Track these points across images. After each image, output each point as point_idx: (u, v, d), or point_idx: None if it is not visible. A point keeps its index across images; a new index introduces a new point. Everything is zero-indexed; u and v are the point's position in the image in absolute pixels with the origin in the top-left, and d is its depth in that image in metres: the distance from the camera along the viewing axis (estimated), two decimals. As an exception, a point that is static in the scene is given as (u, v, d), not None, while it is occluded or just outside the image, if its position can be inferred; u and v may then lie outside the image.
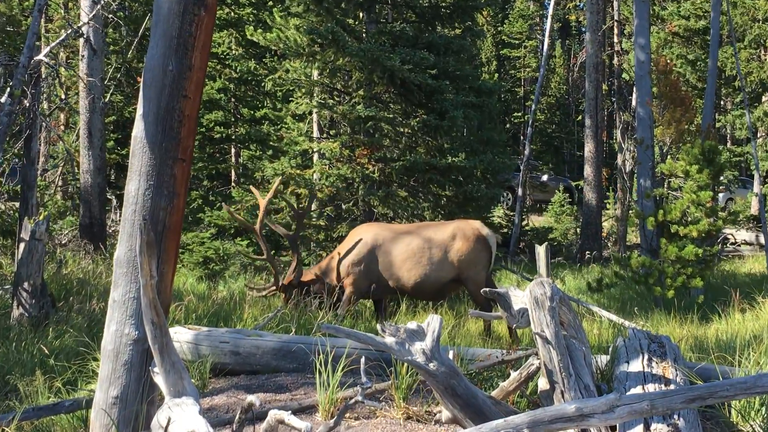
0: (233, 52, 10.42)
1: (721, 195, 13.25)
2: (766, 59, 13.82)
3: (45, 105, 10.15)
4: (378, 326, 2.19)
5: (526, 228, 12.48)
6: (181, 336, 3.24)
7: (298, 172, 6.86)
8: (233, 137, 10.32)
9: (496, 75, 18.63)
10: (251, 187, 5.93)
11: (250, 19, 10.41)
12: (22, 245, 4.01)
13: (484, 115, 8.33)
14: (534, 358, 2.44)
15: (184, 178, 2.23)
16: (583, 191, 12.07)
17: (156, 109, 2.18)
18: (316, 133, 8.28)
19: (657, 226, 6.75)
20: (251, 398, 1.96)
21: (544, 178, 15.79)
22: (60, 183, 10.38)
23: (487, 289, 2.64)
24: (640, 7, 7.61)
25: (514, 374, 2.49)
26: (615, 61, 15.63)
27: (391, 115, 6.85)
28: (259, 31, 7.16)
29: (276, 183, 5.11)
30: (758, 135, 13.74)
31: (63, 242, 7.71)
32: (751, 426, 2.39)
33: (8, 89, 4.66)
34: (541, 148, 21.49)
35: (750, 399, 2.40)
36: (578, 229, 12.24)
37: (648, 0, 7.78)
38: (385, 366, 2.84)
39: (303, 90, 7.48)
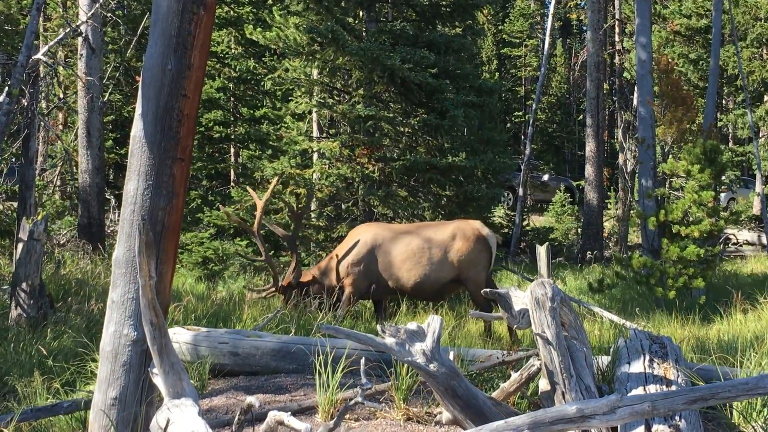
0: (232, 51, 10.40)
1: (722, 195, 13.23)
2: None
3: (43, 104, 10.14)
4: (378, 327, 2.19)
5: (527, 228, 12.46)
6: (180, 337, 3.23)
7: (297, 171, 6.84)
8: (232, 137, 10.30)
9: (497, 74, 18.61)
10: (248, 188, 5.91)
11: (250, 17, 10.39)
12: (20, 245, 4.00)
13: (484, 115, 8.32)
14: (535, 359, 2.43)
15: (183, 178, 2.22)
16: (584, 191, 12.05)
17: (155, 108, 2.17)
18: (315, 133, 8.27)
19: (658, 226, 6.73)
20: (251, 399, 1.95)
21: (545, 177, 15.77)
22: (58, 183, 10.37)
23: (488, 290, 2.63)
24: (641, 6, 7.59)
25: (514, 375, 2.48)
26: (616, 60, 15.61)
27: (391, 115, 6.84)
28: (259, 29, 7.14)
29: (273, 183, 5.09)
30: (760, 134, 13.70)
31: (61, 242, 7.70)
32: (753, 427, 2.38)
33: (6, 88, 4.66)
34: (542, 148, 21.48)
35: (752, 400, 2.39)
36: (579, 229, 12.22)
37: (649, -2, 7.75)
38: (385, 367, 2.83)
39: (302, 89, 7.47)
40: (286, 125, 8.42)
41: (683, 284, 6.23)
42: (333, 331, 2.17)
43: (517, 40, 22.90)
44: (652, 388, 2.35)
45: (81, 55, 7.69)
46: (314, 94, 7.43)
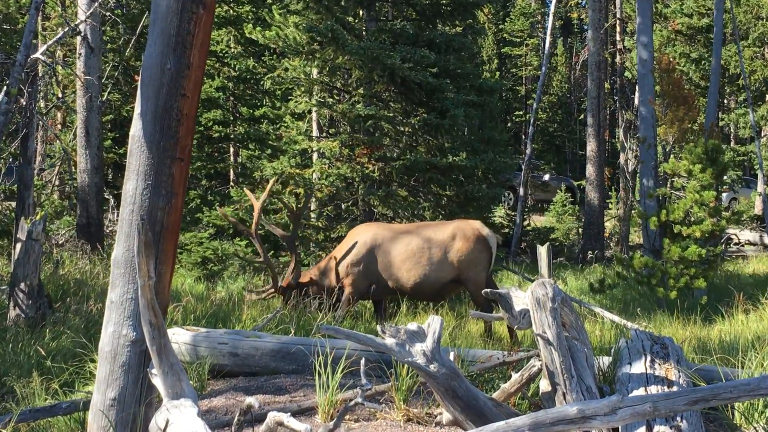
0: (232, 50, 10.38)
1: (724, 195, 13.19)
2: (769, 57, 13.75)
3: (42, 103, 10.13)
4: (378, 327, 2.18)
5: (528, 228, 12.44)
6: (180, 337, 3.22)
7: (297, 171, 6.83)
8: (232, 136, 10.29)
9: (498, 73, 18.59)
10: (245, 189, 5.89)
11: (249, 16, 10.37)
12: (18, 245, 3.99)
13: (485, 114, 8.30)
14: (535, 359, 2.42)
15: (183, 178, 2.21)
16: (585, 191, 12.03)
17: (154, 107, 2.16)
18: (315, 132, 8.25)
19: (660, 226, 6.72)
20: (250, 400, 1.94)
21: (546, 177, 15.74)
22: (57, 182, 10.35)
23: (488, 290, 2.62)
24: (642, 5, 7.57)
25: (515, 376, 2.47)
26: (617, 59, 15.58)
27: (391, 114, 6.82)
28: (258, 29, 7.12)
29: (270, 184, 5.06)
30: (762, 134, 13.68)
31: (60, 242, 7.68)
32: (755, 428, 2.37)
33: (5, 87, 4.65)
34: (543, 148, 21.45)
35: (754, 401, 2.38)
36: (580, 229, 12.20)
37: (650, -3, 7.73)
38: (385, 367, 2.82)
39: (302, 88, 7.45)
40: (285, 125, 8.41)
41: (685, 284, 6.22)
42: (333, 332, 2.16)
43: (518, 40, 22.87)
44: (654, 389, 2.34)
45: (80, 54, 7.67)
46: (314, 93, 7.41)
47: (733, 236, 12.06)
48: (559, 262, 10.38)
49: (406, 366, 2.47)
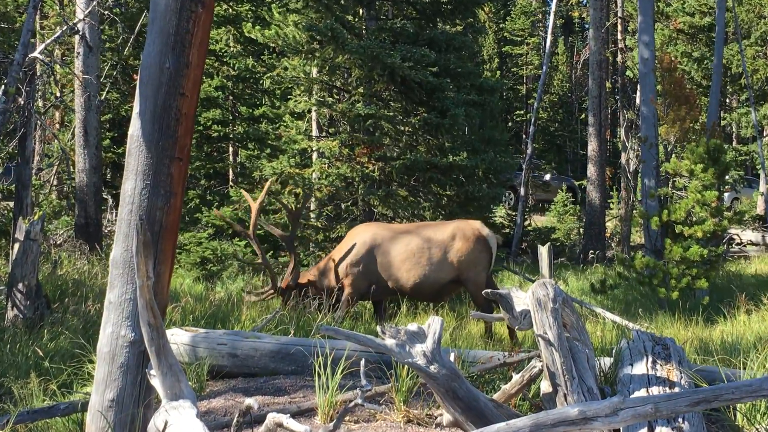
0: (231, 49, 10.37)
1: (726, 194, 13.16)
2: (771, 57, 13.71)
3: (40, 103, 10.11)
4: (378, 328, 2.17)
5: (529, 228, 12.42)
6: (178, 338, 3.21)
7: (296, 171, 6.81)
8: (231, 136, 10.28)
9: (498, 72, 18.59)
10: (242, 191, 5.88)
11: (249, 15, 10.35)
12: (16, 245, 3.97)
13: (485, 114, 8.28)
14: (536, 360, 2.40)
15: (181, 178, 2.20)
16: (586, 191, 12.01)
17: (153, 107, 2.15)
18: (315, 132, 8.23)
19: (661, 226, 6.70)
20: (249, 401, 1.93)
21: (547, 177, 15.72)
22: (55, 182, 10.33)
23: (489, 291, 2.61)
24: (644, 4, 7.54)
25: (516, 377, 2.46)
26: (619, 58, 15.55)
27: (391, 113, 6.80)
28: (258, 27, 7.11)
29: (267, 185, 5.04)
30: (764, 133, 13.66)
31: (58, 242, 7.66)
32: (757, 429, 2.36)
33: (2, 87, 4.63)
34: (544, 147, 21.44)
35: (756, 402, 2.37)
36: (581, 230, 12.18)
37: (652, -3, 7.71)
38: (385, 368, 2.81)
39: (302, 88, 7.44)
40: (285, 124, 8.40)
41: (686, 285, 6.20)
42: (332, 333, 2.14)
43: (519, 38, 22.84)
44: (655, 390, 2.33)
45: (78, 53, 7.65)
46: (313, 92, 7.40)
47: (735, 236, 12.04)
48: (560, 263, 10.36)
49: (406, 367, 2.45)
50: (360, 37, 6.72)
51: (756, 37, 13.24)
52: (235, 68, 10.26)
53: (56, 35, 6.39)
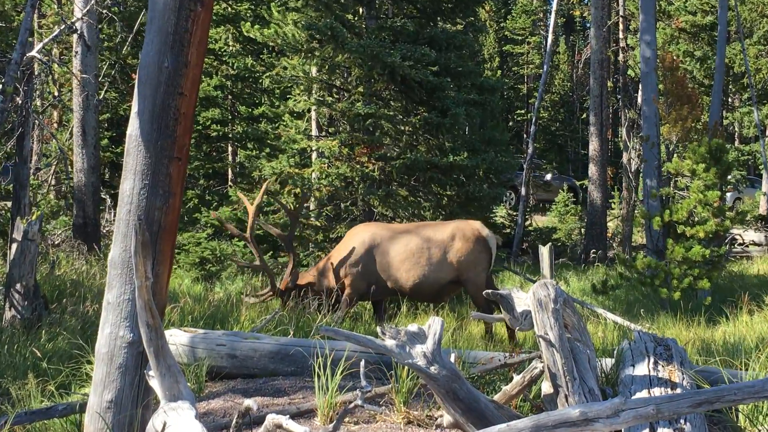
0: (230, 48, 10.35)
1: (728, 194, 13.15)
2: (774, 56, 13.68)
3: (38, 102, 10.08)
4: (378, 329, 2.15)
5: (530, 228, 12.40)
6: (177, 339, 3.20)
7: (296, 171, 6.80)
8: (230, 135, 10.26)
9: (499, 72, 18.59)
10: (239, 193, 5.85)
11: (248, 14, 10.34)
12: (14, 246, 3.96)
13: (486, 113, 8.26)
14: (537, 361, 2.39)
15: (180, 177, 2.19)
16: (587, 190, 11.99)
17: (151, 106, 2.13)
18: (314, 131, 8.22)
19: (663, 227, 6.69)
20: (248, 402, 1.91)
21: (548, 177, 15.70)
22: (53, 182, 10.31)
23: (490, 291, 2.59)
24: (645, 3, 7.52)
25: (517, 378, 2.44)
26: (620, 57, 15.51)
27: (391, 113, 6.79)
28: (257, 26, 7.09)
29: (264, 186, 5.02)
30: (767, 133, 13.62)
31: (56, 243, 7.63)
32: (759, 430, 2.34)
33: (0, 86, 4.61)
34: (545, 147, 21.42)
35: (758, 403, 2.35)
36: (582, 230, 12.15)
37: (653, -5, 7.68)
38: (385, 369, 2.80)
39: (301, 87, 7.43)
40: (284, 124, 8.38)
41: (688, 285, 6.19)
42: (332, 333, 2.13)
43: (520, 37, 22.82)
44: (657, 391, 2.32)
45: (76, 52, 7.63)
46: (313, 92, 7.38)
47: (737, 236, 12.01)
48: (561, 263, 10.35)
49: (406, 368, 2.44)
50: (360, 36, 6.70)
51: (758, 36, 13.20)
52: (235, 67, 10.24)
53: (54, 34, 6.37)
